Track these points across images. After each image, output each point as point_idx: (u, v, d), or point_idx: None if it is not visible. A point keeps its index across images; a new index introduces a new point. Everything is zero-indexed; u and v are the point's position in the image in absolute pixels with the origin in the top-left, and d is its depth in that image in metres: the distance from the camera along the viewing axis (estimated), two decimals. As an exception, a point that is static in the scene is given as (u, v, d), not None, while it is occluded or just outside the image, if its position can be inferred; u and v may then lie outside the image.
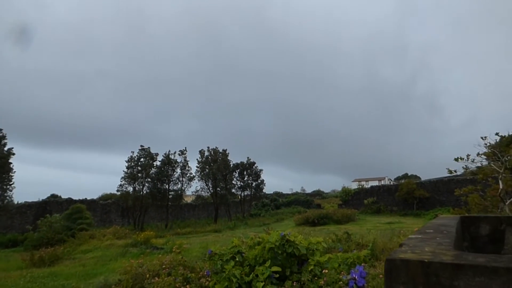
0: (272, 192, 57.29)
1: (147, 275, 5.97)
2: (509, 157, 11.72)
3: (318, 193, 67.88)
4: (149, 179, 31.32)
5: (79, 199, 31.14)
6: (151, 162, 31.44)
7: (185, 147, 34.50)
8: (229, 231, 24.28)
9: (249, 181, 39.28)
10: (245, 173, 39.11)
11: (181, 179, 33.93)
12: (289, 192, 64.47)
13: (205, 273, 5.68)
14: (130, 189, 30.39)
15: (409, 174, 67.94)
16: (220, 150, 36.88)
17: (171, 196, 33.37)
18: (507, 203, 10.85)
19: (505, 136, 13.05)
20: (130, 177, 30.07)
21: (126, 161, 30.57)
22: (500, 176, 11.10)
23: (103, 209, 31.98)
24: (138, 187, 30.76)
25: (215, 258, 5.30)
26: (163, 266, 6.28)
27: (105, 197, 37.20)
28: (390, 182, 61.95)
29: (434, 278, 1.12)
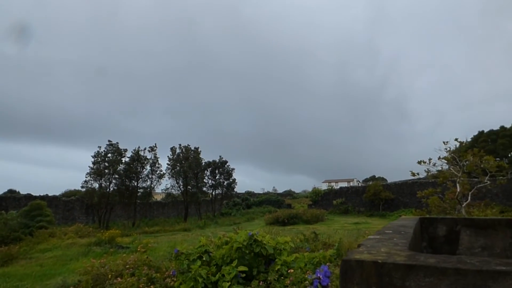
0: (243, 192, 57.34)
1: (109, 276, 5.74)
2: (466, 162, 12.52)
3: (289, 193, 68.83)
4: (117, 176, 30.21)
5: (39, 195, 29.39)
6: (119, 158, 30.33)
7: (155, 144, 33.66)
8: (198, 230, 23.99)
9: (221, 180, 39.07)
10: (217, 171, 38.84)
11: (150, 176, 33.05)
12: (261, 192, 64.87)
13: (171, 273, 5.56)
14: (96, 185, 29.16)
15: (376, 176, 70.60)
16: (192, 148, 36.37)
17: (139, 193, 32.41)
18: (463, 205, 11.58)
19: (463, 142, 13.92)
20: (96, 173, 28.84)
21: (93, 157, 29.28)
22: (458, 180, 11.82)
23: (66, 206, 30.42)
24: (105, 183, 29.58)
25: (181, 257, 5.20)
26: (127, 266, 6.07)
27: (69, 194, 35.45)
28: (358, 183, 64.06)
29: (387, 278, 1.16)
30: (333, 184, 66.00)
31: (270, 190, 73.82)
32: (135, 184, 31.78)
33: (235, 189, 40.96)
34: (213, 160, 38.80)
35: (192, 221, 31.99)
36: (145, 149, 32.71)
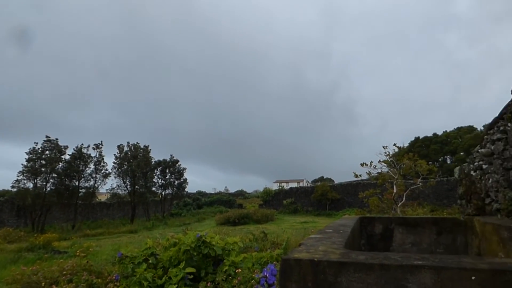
0: (195, 192, 56.33)
1: (43, 284, 5.28)
2: (403, 165, 13.73)
3: (241, 193, 69.10)
4: (55, 175, 27.76)
5: (-41, 196, 25.94)
6: (58, 155, 27.91)
7: (101, 141, 31.60)
8: (146, 232, 23.04)
9: (171, 180, 37.96)
10: (167, 171, 37.66)
11: (94, 175, 30.93)
12: (213, 192, 64.25)
13: (114, 277, 5.28)
14: (30, 185, 26.50)
15: (324, 177, 74.03)
16: (142, 146, 34.83)
17: (81, 194, 30.15)
18: (399, 205, 12.68)
19: (401, 147, 15.27)
20: (30, 171, 26.18)
21: (27, 153, 26.56)
22: (395, 182, 12.92)
23: (-7, 208, 27.21)
24: (41, 183, 27.00)
25: (125, 261, 4.98)
26: (64, 273, 5.63)
27: (-4, 194, 31.73)
28: (307, 184, 66.54)
29: (322, 275, 1.25)
30: (283, 184, 67.69)
31: (222, 190, 73.48)
32: (77, 183, 29.51)
33: (186, 189, 40.10)
34: (164, 159, 37.58)
35: (139, 222, 30.61)
36: (89, 146, 30.54)
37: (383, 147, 13.92)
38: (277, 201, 39.79)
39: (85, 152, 30.09)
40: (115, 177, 32.83)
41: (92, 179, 30.78)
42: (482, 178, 5.09)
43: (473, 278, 1.17)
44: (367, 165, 13.33)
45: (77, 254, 6.86)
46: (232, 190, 75.48)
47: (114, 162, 32.97)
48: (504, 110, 4.03)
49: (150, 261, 4.99)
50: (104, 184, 32.00)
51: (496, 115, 4.24)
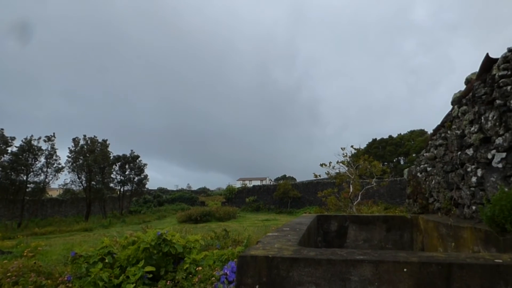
0: (156, 188, 54.82)
1: (-16, 286, 4.90)
2: (359, 166, 14.50)
3: (203, 191, 68.45)
4: (0, 168, 25.56)
5: None
6: (3, 147, 25.72)
7: (54, 133, 29.57)
8: (102, 230, 22.04)
9: (131, 176, 36.60)
10: (127, 166, 36.25)
11: (45, 170, 28.88)
12: (175, 189, 63.01)
13: (66, 278, 5.05)
14: (-31, 179, 24.17)
15: (287, 176, 75.56)
16: (100, 140, 33.15)
17: (29, 189, 28.02)
18: (354, 204, 13.38)
19: (358, 148, 16.10)
20: (-30, 164, 23.91)
21: (-34, 144, 24.18)
22: (351, 181, 13.61)
23: None
24: (-18, 177, 24.75)
25: (79, 260, 4.78)
26: (8, 274, 5.26)
27: None
28: (270, 182, 67.54)
29: (275, 270, 1.36)
30: (247, 182, 68.12)
31: (184, 187, 72.32)
32: (25, 178, 27.38)
33: (146, 186, 38.89)
34: (123, 154, 36.11)
35: (95, 220, 29.17)
36: (40, 138, 28.43)
37: (341, 148, 14.62)
38: (240, 199, 39.97)
39: (35, 144, 27.99)
40: (69, 172, 30.94)
41: (42, 174, 28.73)
42: (427, 179, 5.58)
43: (405, 270, 1.34)
44: (326, 165, 13.92)
45: (24, 254, 6.43)
46: (194, 187, 74.57)
47: (68, 156, 31.05)
48: (445, 119, 4.46)
49: (106, 261, 4.84)
50: (57, 179, 30.01)
51: (439, 123, 4.67)
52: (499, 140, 2.92)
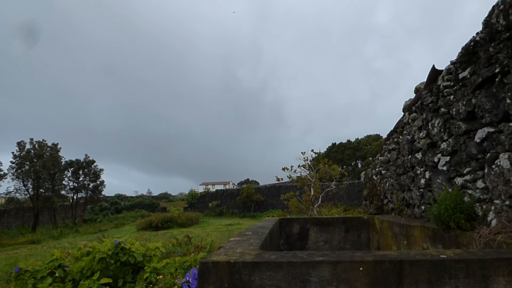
0: (113, 195, 52.18)
1: None
2: (319, 170, 14.98)
3: (165, 196, 66.42)
4: None
5: None
6: None
7: (-3, 137, 27.04)
8: (52, 241, 20.46)
9: (86, 182, 34.47)
10: (80, 172, 34.10)
11: (-15, 177, 26.27)
12: (134, 195, 60.44)
13: (9, 296, 4.61)
14: None
15: (250, 180, 75.86)
16: (49, 144, 30.84)
17: (-34, 199, 25.32)
18: (315, 206, 13.78)
19: (318, 152, 16.63)
20: None
21: None
22: (312, 184, 14.01)
23: None
24: None
25: (25, 276, 4.39)
26: None
27: None
28: (234, 186, 67.38)
29: (237, 275, 1.36)
30: (210, 187, 67.29)
31: (145, 193, 69.67)
32: (-40, 186, 24.68)
33: (102, 192, 36.82)
34: (77, 159, 33.96)
35: (43, 231, 26.97)
36: (-21, 142, 25.84)
37: (302, 152, 15.02)
38: (202, 203, 39.35)
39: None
40: (12, 179, 28.34)
41: (-19, 182, 26.10)
42: (381, 181, 5.91)
43: (361, 269, 1.41)
44: (288, 169, 14.23)
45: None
46: (156, 193, 72.13)
47: (11, 162, 28.46)
48: (397, 124, 4.77)
49: (57, 275, 4.50)
50: (-1, 187, 27.44)
51: (392, 129, 4.98)
52: (443, 145, 3.18)
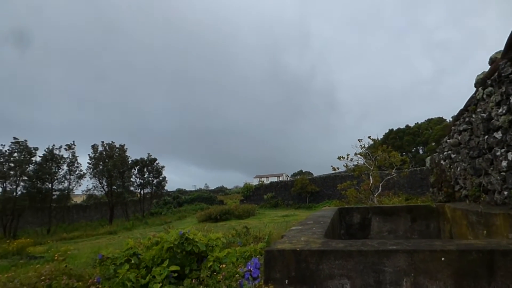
0: (174, 190, 55.68)
1: (20, 290, 5.09)
2: (378, 157, 14.21)
3: (221, 190, 68.98)
4: (26, 178, 26.54)
5: None
6: (28, 157, 26.68)
7: (73, 141, 30.51)
8: (126, 232, 22.58)
9: (150, 179, 37.27)
10: (145, 170, 36.93)
11: (68, 177, 29.85)
12: (193, 189, 63.78)
13: (95, 280, 5.18)
14: (-1, 189, 25.25)
15: (303, 171, 75.08)
16: (117, 145, 33.92)
17: (55, 196, 29.04)
18: (375, 195, 13.14)
19: (375, 139, 15.77)
20: (-2, 175, 24.95)
21: (-6, 156, 25.26)
22: (371, 173, 13.36)
23: (-42, 215, 25.67)
24: (10, 187, 25.75)
25: (107, 262, 4.88)
26: (42, 278, 5.43)
27: (-39, 200, 29.96)
28: (287, 178, 67.34)
29: (304, 264, 1.32)
30: (263, 179, 68.12)
31: (202, 187, 73.12)
32: (49, 186, 28.37)
33: (165, 187, 39.53)
34: (141, 158, 36.81)
35: (118, 223, 29.93)
36: (61, 147, 29.40)
37: (358, 140, 14.35)
38: (257, 196, 40.02)
39: (57, 153, 28.97)
40: (90, 178, 31.91)
41: (66, 181, 29.73)
42: (451, 166, 5.38)
43: (442, 259, 1.27)
44: (344, 158, 13.72)
45: (56, 258, 6.64)
46: (212, 186, 75.25)
47: (88, 163, 31.98)
48: (468, 102, 4.27)
49: (132, 261, 4.92)
50: (79, 185, 31.05)
51: (462, 107, 4.49)
52: (530, 120, 2.76)
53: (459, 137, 4.73)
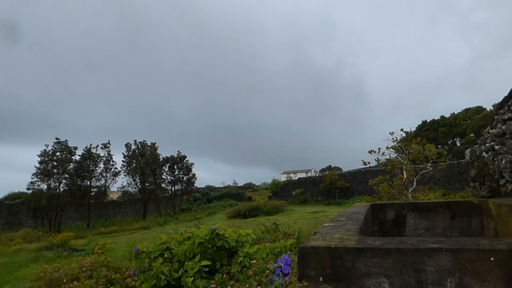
0: (204, 186, 56.91)
1: (64, 280, 5.44)
2: (411, 150, 13.60)
3: (249, 186, 69.54)
4: (67, 176, 28.27)
5: (-23, 200, 26.62)
6: (69, 156, 28.37)
7: (109, 141, 32.02)
8: (158, 228, 23.40)
9: (180, 176, 38.30)
10: (175, 167, 37.99)
11: (104, 174, 31.42)
12: (221, 186, 64.85)
13: (131, 272, 5.41)
14: (44, 186, 27.04)
15: (332, 166, 73.77)
16: (149, 144, 35.15)
17: (93, 193, 30.71)
18: (409, 191, 12.61)
19: (408, 131, 15.11)
20: (43, 173, 26.69)
21: (39, 156, 27.07)
22: (404, 167, 12.83)
23: (10, 210, 27.82)
24: (54, 184, 27.53)
25: (142, 256, 5.08)
26: (84, 269, 5.78)
27: (13, 197, 32.47)
28: (315, 174, 66.50)
29: (339, 261, 1.28)
30: (291, 175, 67.74)
31: (231, 184, 74.10)
32: (88, 183, 30.04)
33: (195, 184, 40.43)
34: (171, 156, 37.90)
35: (151, 218, 31.10)
36: (97, 146, 31.00)
37: (390, 133, 13.80)
38: (286, 192, 39.88)
39: (94, 152, 30.55)
40: (124, 175, 33.36)
41: (102, 178, 31.31)
42: (495, 159, 5.02)
43: (492, 259, 1.18)
44: (375, 152, 13.26)
45: (95, 251, 7.03)
46: (240, 183, 76.06)
47: (122, 161, 33.43)
48: (515, 89, 3.95)
49: (165, 256, 5.08)
50: (115, 182, 32.59)
51: (506, 95, 4.16)
52: None
53: (504, 127, 4.39)
